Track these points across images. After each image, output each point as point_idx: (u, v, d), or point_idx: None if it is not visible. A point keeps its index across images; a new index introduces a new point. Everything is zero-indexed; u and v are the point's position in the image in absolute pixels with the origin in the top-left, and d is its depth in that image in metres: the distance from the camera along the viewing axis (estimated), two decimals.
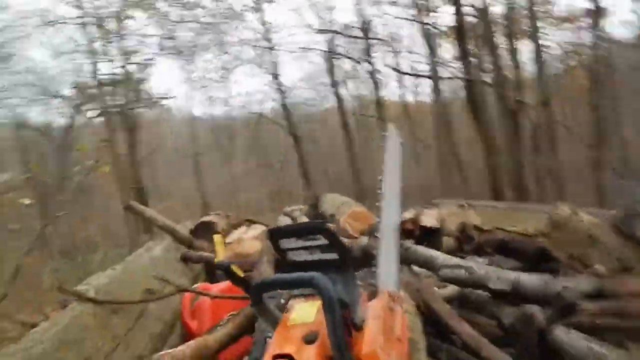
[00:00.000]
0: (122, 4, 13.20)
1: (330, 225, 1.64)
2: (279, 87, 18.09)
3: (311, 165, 19.39)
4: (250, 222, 3.98)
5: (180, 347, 1.93)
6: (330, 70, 17.66)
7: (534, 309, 1.47)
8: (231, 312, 2.10)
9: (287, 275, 1.29)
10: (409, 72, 16.27)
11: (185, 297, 2.55)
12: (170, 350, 1.83)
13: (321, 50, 17.55)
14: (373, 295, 1.35)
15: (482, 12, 10.76)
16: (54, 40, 12.91)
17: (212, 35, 16.43)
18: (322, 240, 1.33)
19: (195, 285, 2.60)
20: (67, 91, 13.07)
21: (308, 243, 1.48)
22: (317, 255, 1.41)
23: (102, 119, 18.28)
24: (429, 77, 13.75)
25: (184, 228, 3.53)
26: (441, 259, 1.85)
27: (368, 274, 2.06)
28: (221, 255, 2.87)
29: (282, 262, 1.65)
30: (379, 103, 18.30)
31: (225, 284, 2.54)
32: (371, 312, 1.19)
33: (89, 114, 17.75)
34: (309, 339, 1.05)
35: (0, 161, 15.57)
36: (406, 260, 2.01)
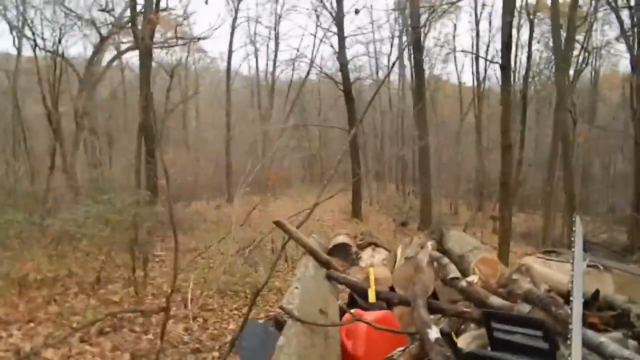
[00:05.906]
0: None
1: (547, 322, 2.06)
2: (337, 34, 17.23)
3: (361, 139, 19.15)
4: (375, 245, 4.73)
5: None
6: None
7: None
8: (400, 348, 2.74)
9: None
10: None
11: (345, 317, 3.29)
12: None
13: None
14: None
15: None
16: None
17: None
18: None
19: (352, 311, 3.29)
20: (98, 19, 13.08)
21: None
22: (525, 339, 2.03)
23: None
24: None
25: (315, 243, 4.27)
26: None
27: None
28: (373, 292, 3.56)
29: (490, 338, 2.26)
30: None
31: (379, 313, 3.25)
32: None
33: (121, 47, 18.03)
34: None
35: (29, 90, 16.27)
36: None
